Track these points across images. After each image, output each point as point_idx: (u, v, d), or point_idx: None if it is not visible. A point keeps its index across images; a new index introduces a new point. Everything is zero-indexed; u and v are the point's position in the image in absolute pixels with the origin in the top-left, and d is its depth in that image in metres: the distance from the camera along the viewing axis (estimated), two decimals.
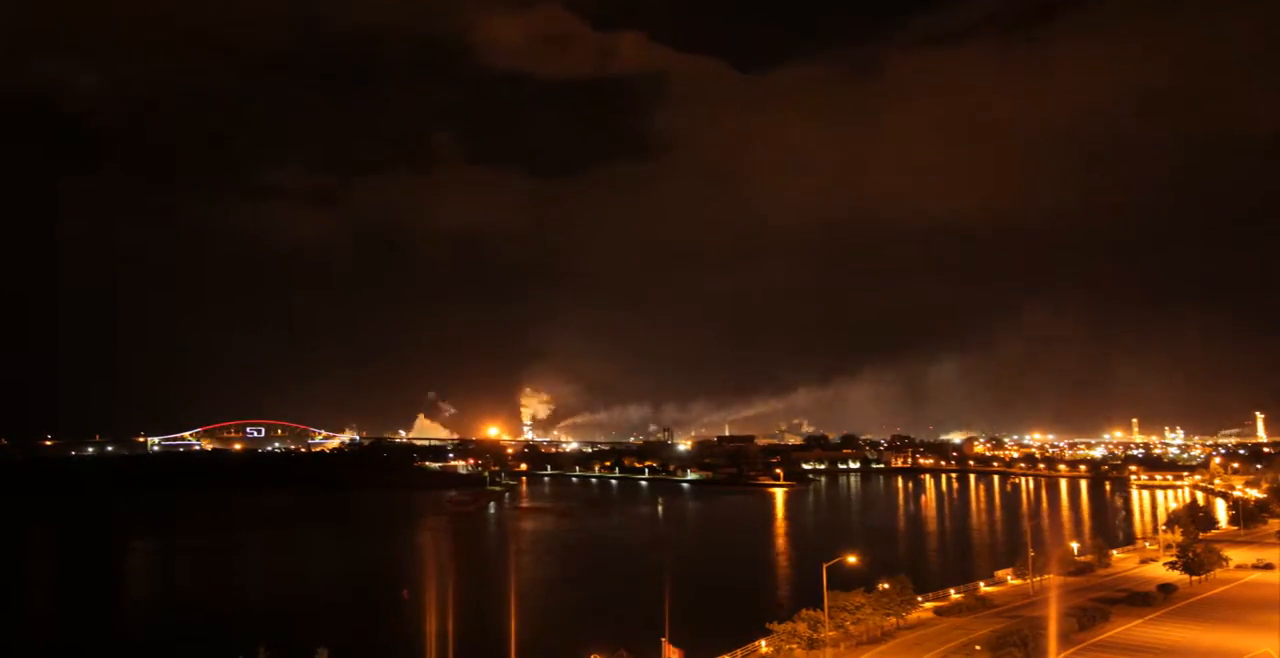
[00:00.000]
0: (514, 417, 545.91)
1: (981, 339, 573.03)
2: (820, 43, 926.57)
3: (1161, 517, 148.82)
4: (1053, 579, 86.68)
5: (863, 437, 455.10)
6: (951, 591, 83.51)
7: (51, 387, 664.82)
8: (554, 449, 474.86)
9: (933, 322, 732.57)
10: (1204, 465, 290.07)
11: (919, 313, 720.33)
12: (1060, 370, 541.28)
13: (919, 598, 74.25)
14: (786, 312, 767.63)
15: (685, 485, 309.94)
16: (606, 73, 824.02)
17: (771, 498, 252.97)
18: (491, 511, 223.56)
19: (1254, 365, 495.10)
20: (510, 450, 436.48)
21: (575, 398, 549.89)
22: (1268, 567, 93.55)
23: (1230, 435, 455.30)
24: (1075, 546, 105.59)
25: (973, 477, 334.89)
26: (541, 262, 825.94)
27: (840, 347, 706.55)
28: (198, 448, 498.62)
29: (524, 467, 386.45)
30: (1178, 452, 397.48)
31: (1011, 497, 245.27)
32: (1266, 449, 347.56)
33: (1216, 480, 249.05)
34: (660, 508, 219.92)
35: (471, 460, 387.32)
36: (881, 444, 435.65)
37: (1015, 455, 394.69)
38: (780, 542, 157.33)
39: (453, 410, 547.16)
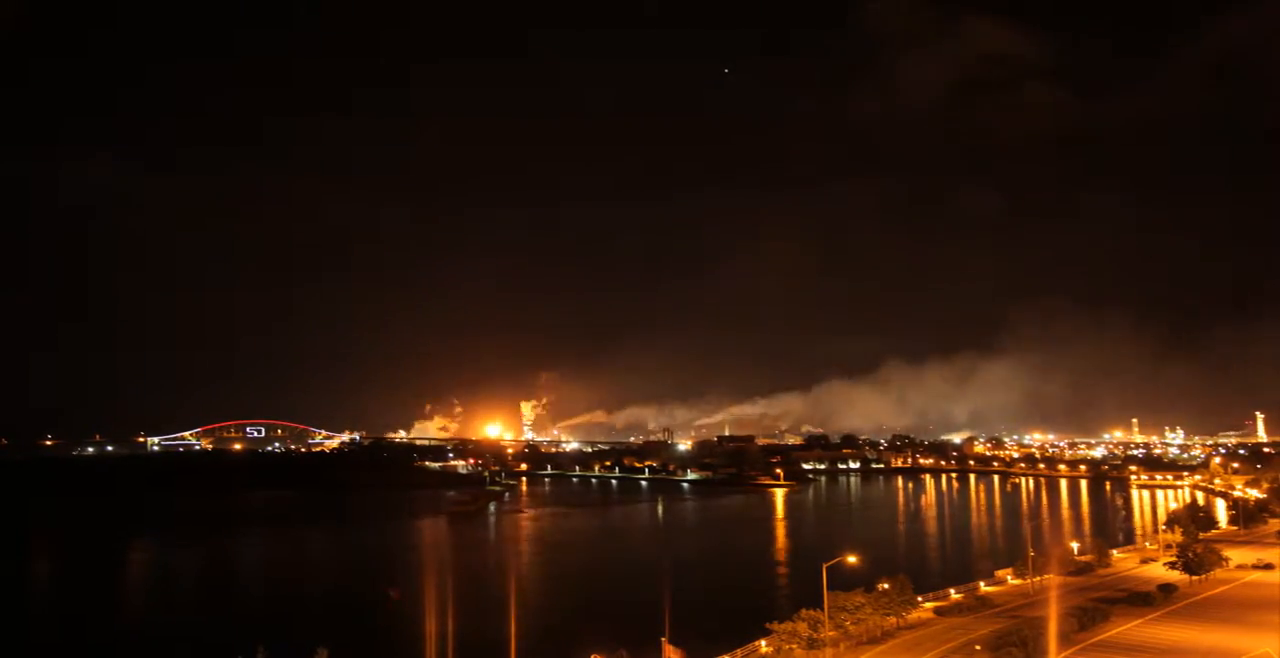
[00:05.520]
0: (514, 417, 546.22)
1: (982, 339, 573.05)
2: None
3: (1161, 517, 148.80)
4: (1053, 579, 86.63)
5: (862, 437, 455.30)
6: (951, 591, 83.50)
7: (51, 387, 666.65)
8: (554, 449, 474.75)
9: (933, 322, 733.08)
10: (1204, 466, 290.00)
11: (919, 313, 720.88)
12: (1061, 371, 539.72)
13: (919, 598, 74.22)
14: (784, 311, 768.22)
15: (685, 485, 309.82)
16: None
17: (771, 498, 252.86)
18: (491, 511, 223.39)
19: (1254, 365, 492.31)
20: (510, 450, 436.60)
21: (576, 398, 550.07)
22: (1268, 567, 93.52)
23: (1230, 435, 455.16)
24: (1075, 546, 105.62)
25: (973, 477, 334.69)
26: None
27: (842, 346, 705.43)
28: (198, 448, 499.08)
29: (524, 467, 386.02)
30: (1178, 452, 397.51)
31: (1011, 497, 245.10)
32: (1266, 449, 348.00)
33: (1216, 481, 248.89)
34: (660, 508, 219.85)
35: (471, 460, 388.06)
36: (881, 444, 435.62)
37: (1015, 455, 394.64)
38: (780, 542, 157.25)
39: (460, 410, 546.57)
